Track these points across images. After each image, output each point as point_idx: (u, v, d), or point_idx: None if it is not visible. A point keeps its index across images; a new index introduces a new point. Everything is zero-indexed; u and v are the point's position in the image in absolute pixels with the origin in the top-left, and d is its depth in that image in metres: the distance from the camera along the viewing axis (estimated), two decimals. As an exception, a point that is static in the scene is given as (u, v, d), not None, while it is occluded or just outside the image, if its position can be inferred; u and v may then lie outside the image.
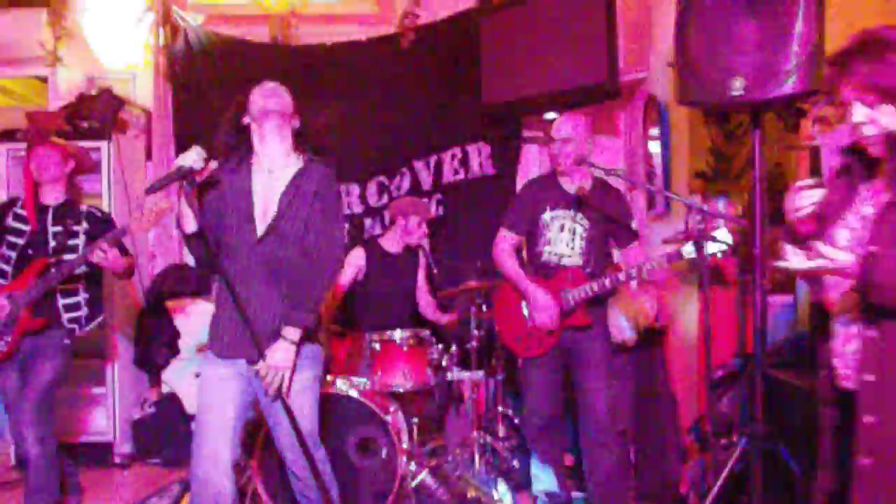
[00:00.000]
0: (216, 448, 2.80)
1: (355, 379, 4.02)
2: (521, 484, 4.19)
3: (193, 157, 2.74)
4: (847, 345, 1.97)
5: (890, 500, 1.87)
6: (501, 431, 4.55)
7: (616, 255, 4.02)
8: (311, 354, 2.91)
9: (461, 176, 5.77)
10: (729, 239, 3.26)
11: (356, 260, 4.55)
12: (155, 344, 5.45)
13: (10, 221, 3.79)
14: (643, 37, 5.20)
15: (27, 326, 3.64)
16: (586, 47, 4.77)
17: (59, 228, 3.76)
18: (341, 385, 3.88)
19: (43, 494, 3.63)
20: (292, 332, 2.80)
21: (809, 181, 2.02)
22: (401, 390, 4.00)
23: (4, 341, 3.61)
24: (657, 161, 5.10)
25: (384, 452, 3.75)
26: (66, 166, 3.87)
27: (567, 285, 3.62)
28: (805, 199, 1.98)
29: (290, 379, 2.83)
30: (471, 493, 3.99)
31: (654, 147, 5.12)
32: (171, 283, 5.63)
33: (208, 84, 5.79)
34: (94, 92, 5.38)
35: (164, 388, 5.43)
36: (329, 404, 3.41)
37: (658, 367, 4.30)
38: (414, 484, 3.87)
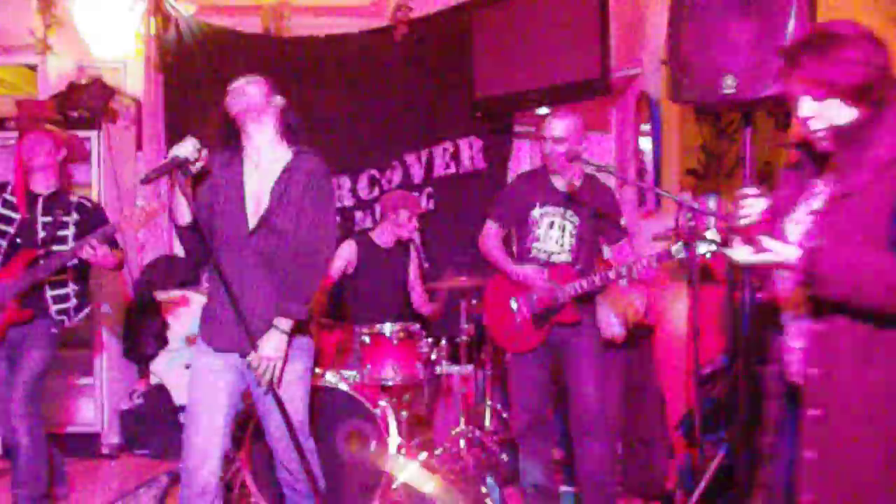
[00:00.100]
0: (206, 440, 2.80)
1: (345, 372, 4.02)
2: (509, 478, 4.21)
3: (188, 148, 2.73)
4: (796, 339, 1.98)
5: (834, 492, 1.89)
6: (490, 425, 4.56)
7: (606, 250, 4.03)
8: (302, 346, 2.92)
9: (452, 170, 5.77)
10: (718, 238, 3.27)
11: (346, 253, 4.55)
12: (144, 335, 5.44)
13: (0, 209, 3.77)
14: (636, 33, 5.21)
15: (15, 318, 3.62)
16: (579, 43, 4.79)
17: (48, 219, 3.74)
18: (331, 378, 3.88)
19: (31, 484, 3.62)
20: (284, 323, 2.80)
21: (753, 189, 2.00)
22: (390, 383, 4.00)
23: None
24: (648, 158, 5.12)
25: (373, 445, 3.76)
26: (58, 154, 3.85)
27: (557, 282, 3.63)
28: (749, 207, 1.97)
29: (282, 370, 2.83)
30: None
31: (646, 143, 5.13)
32: (160, 275, 5.62)
33: (199, 74, 5.77)
34: (84, 81, 5.35)
35: (153, 380, 5.42)
36: (318, 397, 3.41)
37: (646, 363, 4.32)
38: (402, 477, 3.88)
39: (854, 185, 1.88)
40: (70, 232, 3.75)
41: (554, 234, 3.69)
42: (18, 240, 3.70)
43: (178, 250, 5.86)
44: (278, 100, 2.93)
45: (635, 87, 5.29)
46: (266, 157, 2.93)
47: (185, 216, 2.85)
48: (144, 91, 5.85)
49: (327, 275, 4.37)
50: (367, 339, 4.06)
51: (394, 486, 3.78)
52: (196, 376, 2.89)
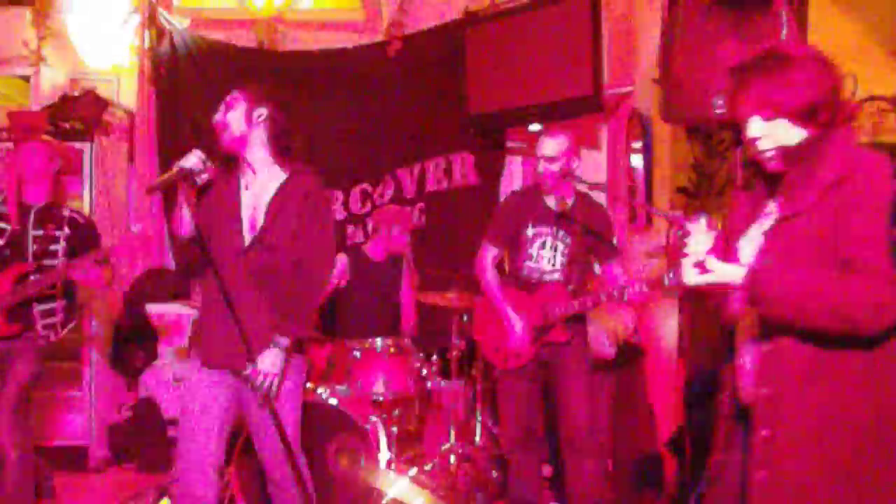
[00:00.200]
0: (201, 456, 2.80)
1: (335, 387, 4.01)
2: (499, 494, 4.20)
3: (194, 161, 2.76)
4: (747, 360, 1.98)
5: None
6: (480, 441, 4.55)
7: (597, 268, 4.04)
8: (296, 363, 2.92)
9: (444, 185, 5.78)
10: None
11: (337, 267, 4.54)
12: (133, 347, 5.42)
13: None
14: (628, 52, 5.25)
15: (2, 332, 3.60)
16: (571, 61, 4.81)
17: (39, 232, 3.71)
18: (321, 392, 3.87)
19: (17, 498, 3.58)
20: (283, 340, 2.81)
21: (702, 224, 1.97)
22: (381, 399, 4.00)
23: None
24: (639, 175, 5.14)
25: (363, 460, 3.75)
26: (52, 165, 3.82)
27: (549, 301, 3.64)
28: (696, 244, 1.93)
29: (279, 386, 2.83)
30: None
31: (637, 161, 5.16)
32: (150, 287, 5.60)
33: (193, 87, 5.77)
34: (77, 93, 5.36)
35: (142, 393, 5.39)
36: (308, 412, 3.40)
37: (636, 380, 4.33)
38: (392, 493, 3.87)
39: (800, 206, 1.88)
40: (60, 246, 3.73)
41: (546, 253, 3.70)
42: (7, 251, 3.67)
43: (170, 263, 5.84)
44: (263, 112, 2.87)
45: (627, 106, 5.32)
46: (262, 175, 2.93)
47: (187, 227, 2.86)
48: (138, 104, 5.84)
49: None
50: (358, 354, 4.06)
51: (384, 502, 3.77)
52: (190, 392, 2.89)
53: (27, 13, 5.66)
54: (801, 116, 1.89)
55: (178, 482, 2.82)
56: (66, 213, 3.81)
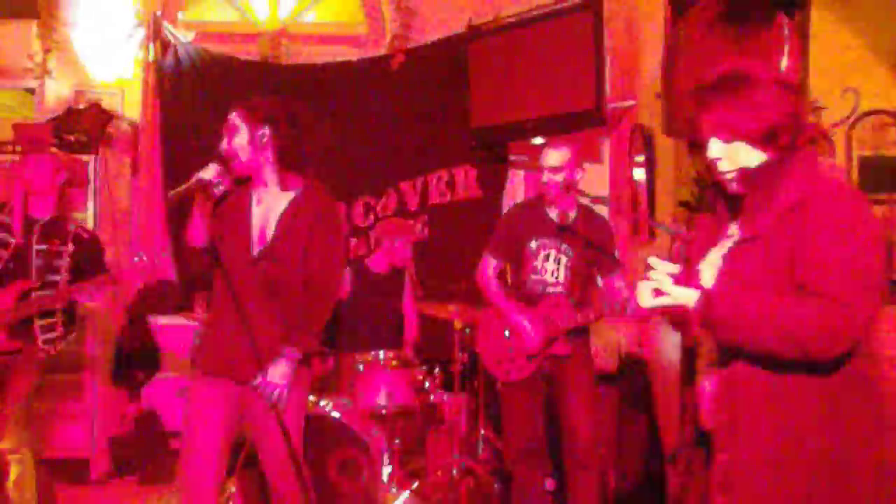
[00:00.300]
0: (204, 469, 2.79)
1: (338, 399, 4.01)
2: (501, 507, 4.19)
3: (212, 172, 2.79)
4: (707, 384, 1.97)
5: None
6: (482, 454, 4.54)
7: (600, 281, 4.05)
8: (300, 375, 2.91)
9: (447, 198, 5.79)
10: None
11: (341, 280, 4.55)
12: (135, 360, 5.42)
13: None
14: (631, 67, 5.27)
15: (2, 348, 3.60)
16: (574, 74, 4.83)
17: (43, 247, 3.70)
18: (323, 405, 3.87)
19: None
20: (294, 353, 2.82)
21: (666, 264, 1.92)
22: (383, 411, 3.99)
23: None
24: (641, 189, 5.15)
25: (365, 474, 3.74)
26: (59, 177, 3.82)
27: (552, 313, 3.64)
28: (656, 279, 1.91)
29: (287, 398, 2.83)
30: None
31: (639, 174, 5.17)
32: (153, 299, 5.61)
33: (197, 100, 5.79)
34: (82, 105, 5.39)
35: (144, 405, 5.38)
36: (311, 424, 3.40)
37: (639, 394, 4.32)
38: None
39: (759, 229, 1.86)
40: (64, 262, 3.71)
41: (549, 266, 3.71)
42: (11, 265, 3.66)
43: (172, 275, 5.84)
44: (265, 133, 2.85)
45: (630, 120, 5.34)
46: (273, 189, 2.93)
47: (201, 238, 2.87)
48: (142, 116, 5.86)
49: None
50: (360, 367, 4.05)
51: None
52: (193, 404, 2.88)
53: (33, 26, 5.70)
54: (759, 139, 1.86)
55: (181, 497, 2.82)
56: (71, 227, 3.80)
